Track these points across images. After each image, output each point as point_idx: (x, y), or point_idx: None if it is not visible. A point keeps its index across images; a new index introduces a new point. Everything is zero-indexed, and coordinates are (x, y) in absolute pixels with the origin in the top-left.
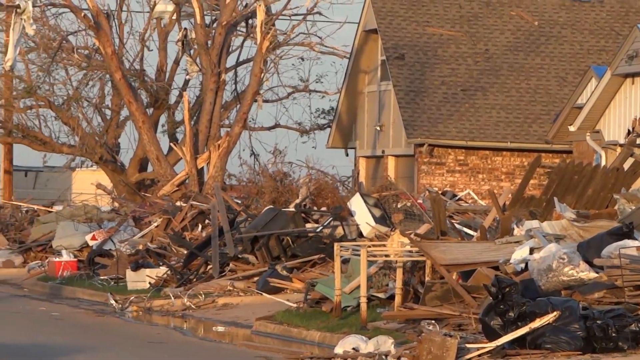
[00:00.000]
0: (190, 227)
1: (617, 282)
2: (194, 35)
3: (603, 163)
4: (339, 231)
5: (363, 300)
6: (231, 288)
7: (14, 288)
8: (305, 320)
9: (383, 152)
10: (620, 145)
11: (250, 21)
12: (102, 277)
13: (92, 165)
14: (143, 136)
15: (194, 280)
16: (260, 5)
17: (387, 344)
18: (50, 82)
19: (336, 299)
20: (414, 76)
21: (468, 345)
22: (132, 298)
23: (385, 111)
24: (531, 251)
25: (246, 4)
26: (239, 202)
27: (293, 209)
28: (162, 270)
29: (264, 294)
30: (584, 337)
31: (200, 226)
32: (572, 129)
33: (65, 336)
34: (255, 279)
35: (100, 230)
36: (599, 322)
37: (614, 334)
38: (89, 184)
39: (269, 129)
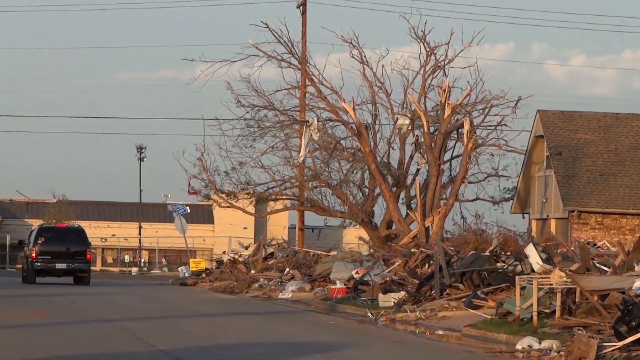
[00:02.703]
0: (420, 265)
1: None
2: (422, 139)
3: None
4: (519, 268)
5: (534, 314)
6: (447, 305)
7: (305, 305)
8: (496, 327)
9: (547, 216)
10: None
11: (459, 130)
12: (362, 298)
13: (356, 225)
14: (389, 206)
15: (423, 300)
16: (466, 120)
17: (551, 342)
18: (328, 170)
19: (517, 313)
20: (567, 166)
21: (605, 344)
22: (382, 312)
23: (548, 189)
24: None
25: (457, 119)
26: (452, 248)
27: (488, 254)
28: (402, 294)
29: (469, 309)
30: None
31: (427, 265)
32: None
33: (338, 336)
34: (463, 299)
35: (361, 267)
36: None
37: None
38: (353, 237)
39: (472, 200)
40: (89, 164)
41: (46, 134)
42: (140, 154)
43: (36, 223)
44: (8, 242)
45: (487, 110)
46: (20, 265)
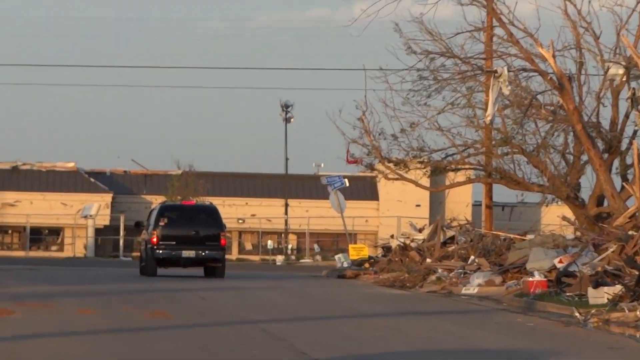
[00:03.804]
0: None
1: None
2: None
3: None
4: None
5: None
6: None
7: (494, 303)
8: None
9: None
10: None
11: None
12: (567, 294)
13: (558, 202)
14: (600, 177)
15: None
16: None
17: None
18: (522, 133)
19: None
20: None
21: None
22: (592, 311)
23: None
24: None
25: None
26: None
27: None
28: (618, 288)
29: None
30: None
31: None
32: None
33: (538, 342)
34: None
35: (565, 254)
36: None
37: None
38: (555, 216)
39: None
40: (222, 127)
41: (166, 89)
42: (286, 114)
43: (157, 200)
44: (122, 225)
45: None
46: (138, 254)
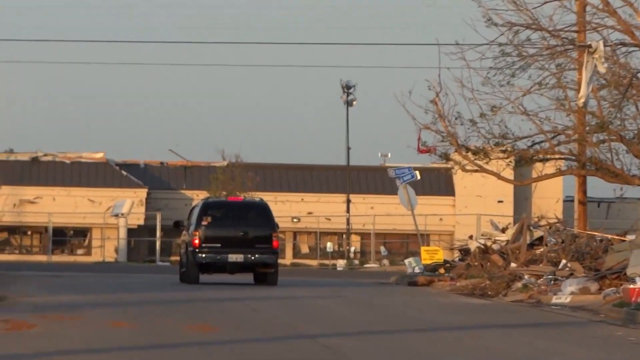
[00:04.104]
0: None
1: None
2: None
3: None
4: None
5: None
6: None
7: (590, 314)
8: None
9: None
10: None
11: None
12: None
13: None
14: None
15: None
16: None
17: None
18: (621, 117)
19: None
20: None
21: None
22: None
23: None
24: None
25: None
26: None
27: None
28: None
29: None
30: None
31: None
32: None
33: None
34: None
35: None
36: None
37: None
38: None
39: None
40: (273, 112)
41: (207, 67)
42: (347, 96)
43: (199, 196)
44: (158, 225)
45: None
46: (177, 258)
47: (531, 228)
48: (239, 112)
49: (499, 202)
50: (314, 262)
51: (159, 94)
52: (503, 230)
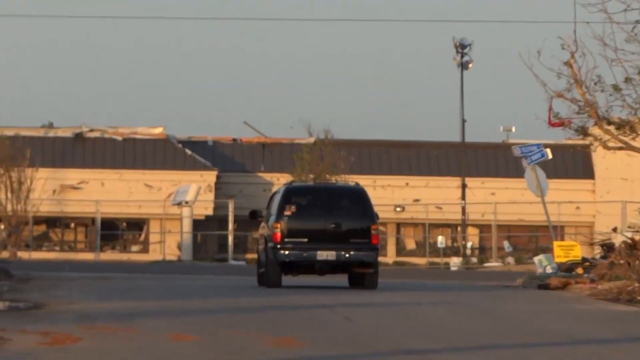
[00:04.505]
0: None
1: None
2: None
3: None
4: None
5: None
6: None
7: None
8: None
9: None
10: None
11: None
12: None
13: None
14: None
15: None
16: None
17: None
18: None
19: None
20: None
21: None
22: None
23: None
24: None
25: None
26: None
27: None
28: None
29: None
30: None
31: None
32: None
33: None
34: None
35: None
36: None
37: None
38: None
39: None
40: (369, 78)
41: (286, 23)
42: (462, 58)
43: (280, 180)
44: (231, 216)
45: None
46: (254, 256)
47: None
48: (328, 77)
49: None
50: (421, 261)
51: (230, 53)
52: None
